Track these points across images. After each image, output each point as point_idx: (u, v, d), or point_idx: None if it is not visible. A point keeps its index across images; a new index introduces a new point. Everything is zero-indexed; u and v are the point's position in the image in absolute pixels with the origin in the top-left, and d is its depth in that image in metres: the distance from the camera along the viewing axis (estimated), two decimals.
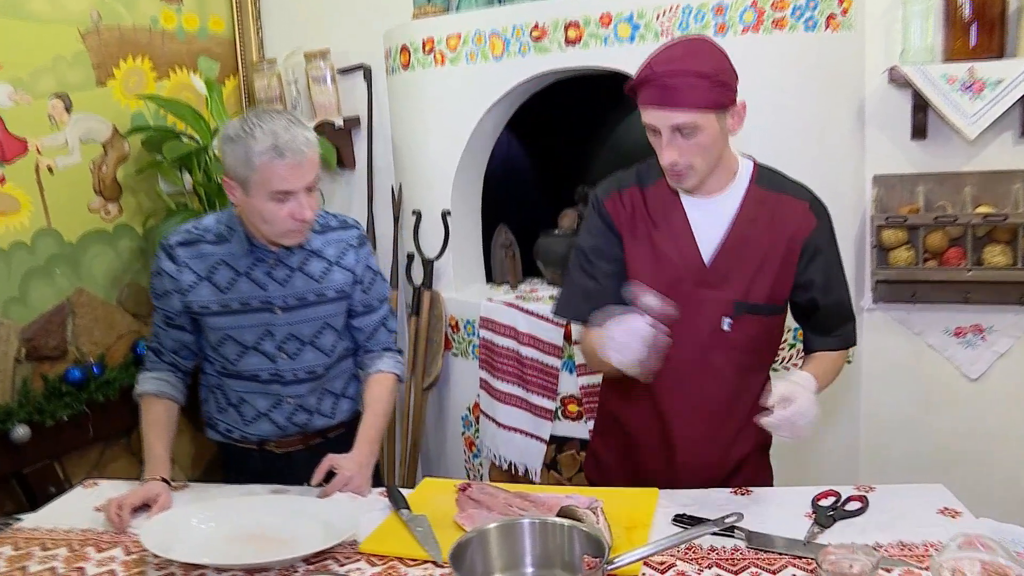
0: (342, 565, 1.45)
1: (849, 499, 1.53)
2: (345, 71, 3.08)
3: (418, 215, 2.92)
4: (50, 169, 2.61)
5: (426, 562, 1.43)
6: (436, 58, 2.74)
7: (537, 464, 2.69)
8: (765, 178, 1.62)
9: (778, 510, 1.53)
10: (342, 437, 1.91)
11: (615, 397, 1.78)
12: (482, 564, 1.32)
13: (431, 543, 1.47)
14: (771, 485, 1.76)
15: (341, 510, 1.61)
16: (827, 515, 1.48)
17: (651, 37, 2.39)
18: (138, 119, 2.88)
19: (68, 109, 2.65)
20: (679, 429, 1.66)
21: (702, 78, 1.44)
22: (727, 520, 1.36)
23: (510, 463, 2.77)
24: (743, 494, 1.62)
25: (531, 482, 2.70)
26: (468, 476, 3.03)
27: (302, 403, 1.86)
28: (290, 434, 1.89)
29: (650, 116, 1.49)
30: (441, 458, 3.14)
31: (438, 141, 2.83)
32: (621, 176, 1.69)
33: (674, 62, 1.46)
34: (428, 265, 2.90)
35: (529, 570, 1.34)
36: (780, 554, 1.37)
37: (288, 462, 1.90)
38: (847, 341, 1.69)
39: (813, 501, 1.54)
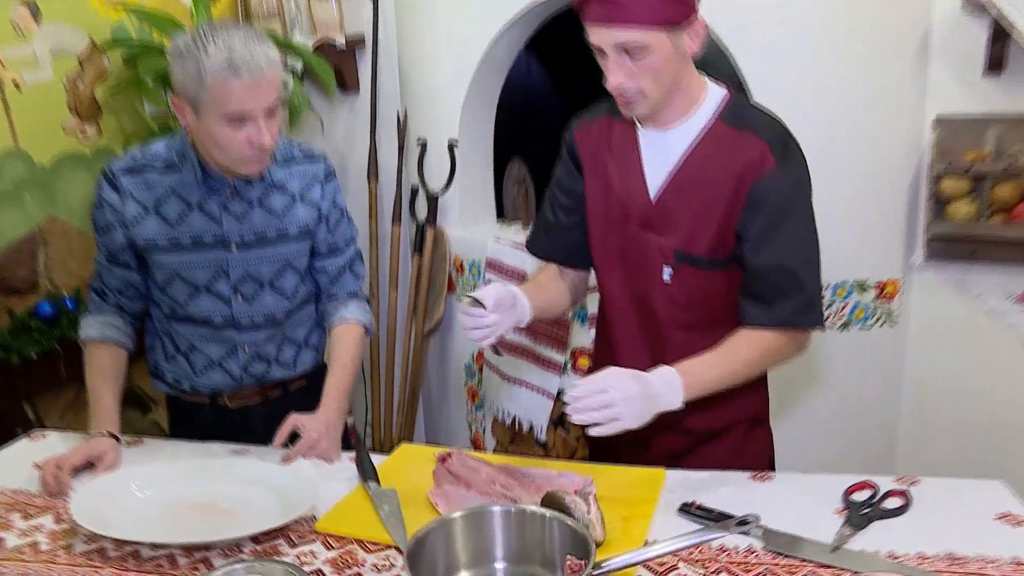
0: (294, 546, 1.30)
1: (888, 494, 1.34)
2: None
3: (423, 144, 2.71)
4: (16, 84, 2.42)
5: (388, 548, 1.28)
6: None
7: (543, 421, 2.54)
8: (733, 113, 1.45)
9: (802, 502, 1.35)
10: (304, 390, 1.80)
11: (599, 340, 1.73)
12: (445, 560, 1.16)
13: (396, 525, 1.32)
14: (770, 460, 1.64)
15: (302, 479, 1.47)
16: (861, 513, 1.28)
17: None
18: (120, 32, 2.68)
19: (36, 17, 2.45)
20: None
21: None
22: (740, 525, 1.17)
23: (514, 418, 2.63)
24: (761, 479, 1.44)
25: (536, 440, 2.56)
26: (470, 429, 2.89)
27: (259, 351, 1.74)
28: (246, 386, 1.76)
29: (594, 34, 1.36)
30: (442, 409, 3.00)
31: (446, 63, 2.62)
32: (598, 105, 1.58)
33: None
34: (432, 200, 2.71)
35: (500, 565, 1.19)
36: (803, 560, 1.19)
37: (244, 417, 1.78)
38: (784, 320, 1.40)
39: (845, 493, 1.35)
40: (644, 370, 1.34)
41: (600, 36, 1.34)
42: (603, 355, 1.65)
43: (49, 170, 2.54)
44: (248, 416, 1.77)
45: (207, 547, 1.28)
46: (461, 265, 2.73)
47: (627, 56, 1.34)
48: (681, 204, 1.46)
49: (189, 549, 1.27)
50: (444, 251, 2.74)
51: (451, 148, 2.63)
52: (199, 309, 1.68)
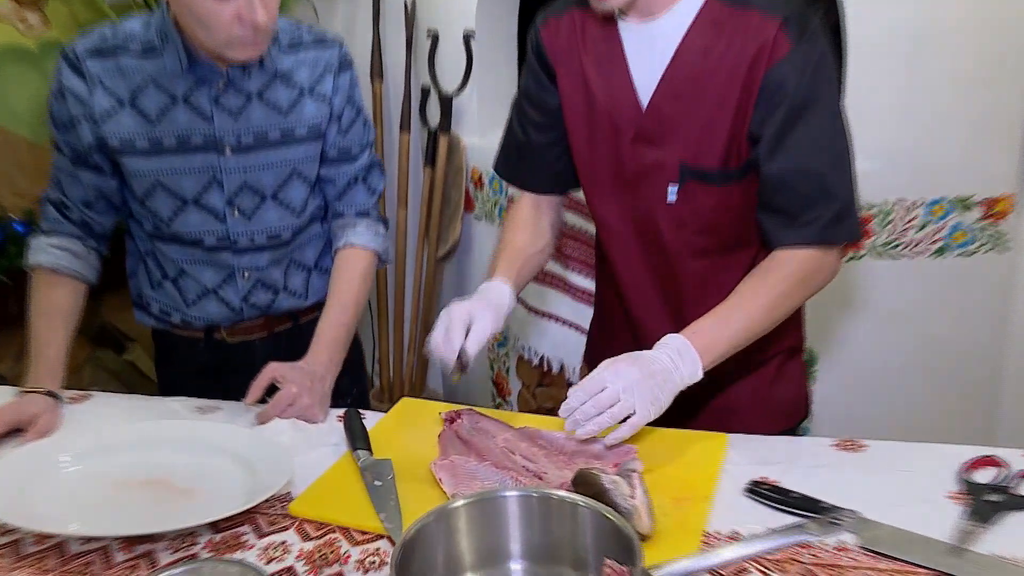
0: (263, 535, 1.07)
1: (1021, 474, 1.06)
2: None
3: (435, 37, 2.44)
4: None
5: (380, 538, 1.05)
6: None
7: (576, 360, 2.35)
8: None
9: (904, 482, 1.09)
10: (316, 322, 1.57)
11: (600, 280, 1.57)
12: (446, 559, 0.92)
13: (389, 508, 1.09)
14: (806, 400, 1.48)
15: (276, 448, 1.23)
16: (986, 501, 1.02)
17: None
18: None
19: None
20: (648, 324, 1.38)
21: None
22: (835, 521, 0.91)
23: (542, 357, 2.46)
24: (849, 447, 1.19)
25: (568, 382, 2.37)
26: (492, 370, 2.68)
27: (263, 278, 1.54)
28: (247, 318, 1.57)
29: None
30: None
31: None
32: None
33: None
34: (446, 102, 2.45)
35: (517, 565, 0.95)
36: (914, 565, 0.93)
37: (246, 354, 1.58)
38: (813, 236, 1.21)
39: (962, 471, 1.09)
40: (657, 313, 1.30)
41: None
42: (607, 297, 1.50)
43: None
44: (250, 353, 1.58)
45: (151, 538, 1.05)
46: (480, 179, 2.49)
47: None
48: (680, 108, 1.25)
49: (129, 541, 1.05)
50: (460, 162, 2.51)
51: (467, 41, 2.37)
52: (187, 226, 1.48)
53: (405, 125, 2.63)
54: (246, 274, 1.52)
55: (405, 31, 2.56)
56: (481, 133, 2.52)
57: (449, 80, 2.47)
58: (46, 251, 1.47)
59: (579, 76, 1.33)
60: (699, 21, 1.22)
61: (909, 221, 2.00)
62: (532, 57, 1.39)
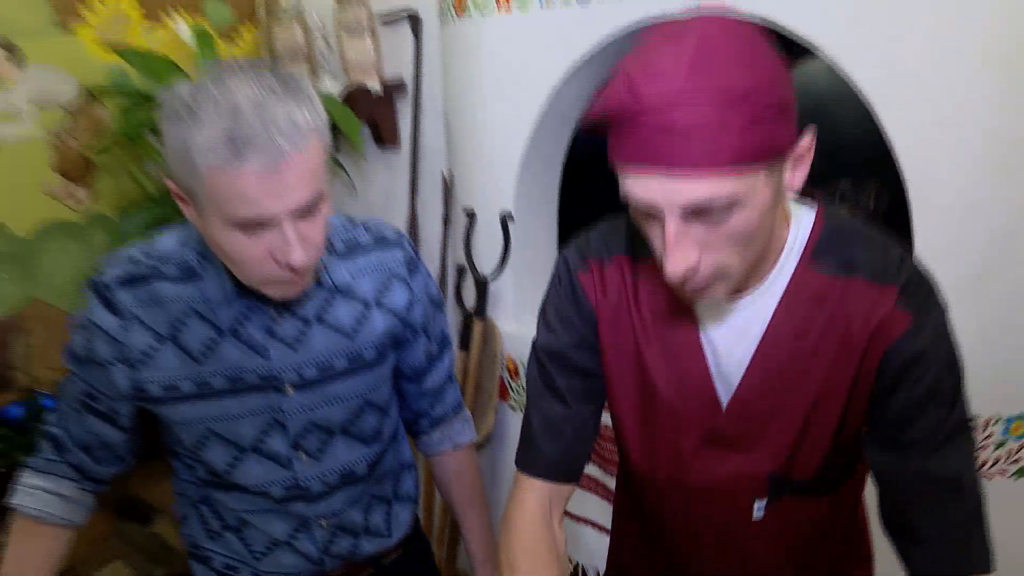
0: None
1: None
2: (389, 20, 2.48)
3: (471, 215, 2.34)
4: None
5: None
6: (499, 1, 2.14)
7: None
8: (827, 248, 1.01)
9: None
10: (400, 562, 1.45)
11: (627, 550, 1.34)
12: None
13: None
14: None
15: None
16: None
17: None
18: (119, 77, 2.40)
19: (16, 60, 2.18)
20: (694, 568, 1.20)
21: (739, 102, 0.81)
22: None
23: (577, 565, 2.27)
24: None
25: None
26: None
27: (342, 523, 1.35)
28: (329, 569, 1.37)
29: (639, 186, 0.88)
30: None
31: (498, 116, 2.28)
32: (607, 233, 1.13)
33: (680, 75, 0.82)
34: (482, 285, 2.32)
35: None
36: None
37: None
38: (974, 561, 1.00)
39: None
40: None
41: (651, 190, 0.86)
42: (631, 529, 1.31)
43: (30, 242, 2.29)
44: None
45: None
46: (515, 368, 2.35)
47: (696, 220, 0.87)
48: (772, 404, 1.03)
49: None
50: (495, 349, 2.36)
51: (504, 222, 2.25)
52: (249, 477, 1.28)
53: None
54: (323, 522, 1.33)
55: (443, 207, 2.48)
56: (517, 319, 2.40)
57: (486, 261, 2.36)
58: (32, 494, 1.29)
59: (631, 349, 1.09)
60: (791, 293, 1.00)
61: (985, 437, 1.79)
62: (569, 305, 1.13)
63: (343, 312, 1.26)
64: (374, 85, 2.51)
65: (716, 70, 0.81)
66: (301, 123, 1.00)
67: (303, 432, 1.27)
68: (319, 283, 1.24)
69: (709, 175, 0.82)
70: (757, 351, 1.01)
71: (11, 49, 2.18)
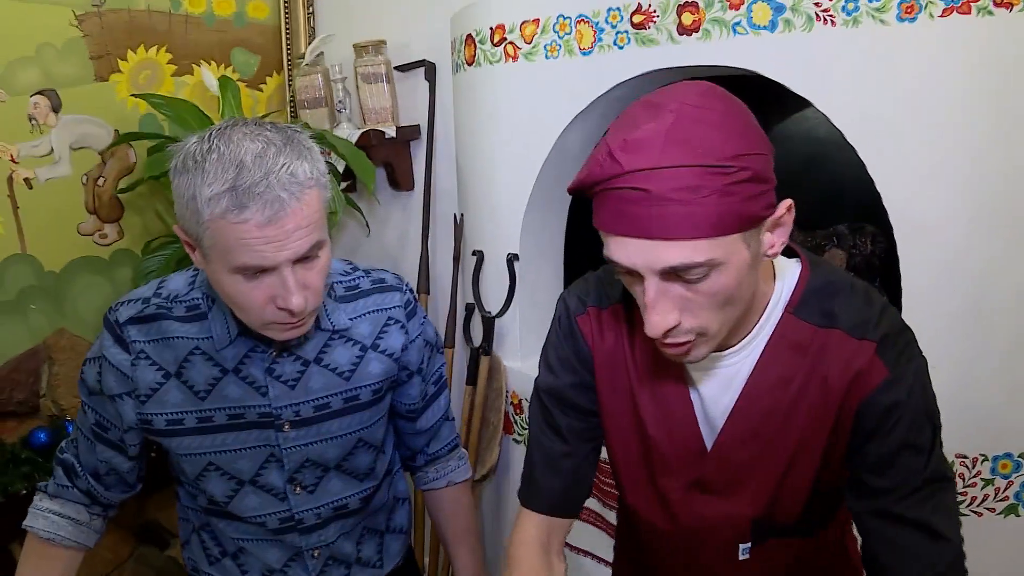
0: None
1: None
2: (404, 68, 2.60)
3: (479, 256, 2.41)
4: (28, 182, 2.29)
5: None
6: (507, 51, 2.25)
7: None
8: (810, 301, 1.04)
9: None
10: None
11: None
12: None
13: None
14: None
15: None
16: None
17: (801, 25, 1.76)
18: (149, 123, 2.54)
19: (55, 109, 2.34)
20: None
21: (713, 174, 0.85)
22: None
23: None
24: None
25: None
26: None
27: (335, 553, 1.42)
28: None
29: (621, 250, 0.91)
30: (495, 572, 2.60)
31: (505, 161, 2.36)
32: (605, 279, 1.17)
33: (656, 147, 0.86)
34: (489, 323, 2.39)
35: None
36: None
37: None
38: None
39: None
40: None
41: (632, 254, 0.90)
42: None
43: (59, 276, 2.42)
44: None
45: None
46: (520, 403, 2.42)
47: (677, 282, 0.91)
48: (755, 450, 1.07)
49: None
50: (500, 385, 2.44)
51: (510, 263, 2.33)
52: (246, 508, 1.35)
53: (450, 341, 2.60)
54: (316, 553, 1.39)
55: (454, 248, 2.58)
56: (522, 356, 2.47)
57: (494, 300, 2.45)
58: (45, 517, 1.38)
59: (626, 393, 1.13)
60: (774, 344, 1.03)
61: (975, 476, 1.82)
62: (567, 348, 1.17)
63: (341, 354, 1.32)
64: (390, 130, 2.63)
65: (693, 142, 0.85)
66: (301, 175, 1.07)
67: (298, 467, 1.33)
68: (319, 326, 1.31)
69: (688, 241, 0.86)
70: (739, 399, 1.05)
71: (51, 98, 2.33)
